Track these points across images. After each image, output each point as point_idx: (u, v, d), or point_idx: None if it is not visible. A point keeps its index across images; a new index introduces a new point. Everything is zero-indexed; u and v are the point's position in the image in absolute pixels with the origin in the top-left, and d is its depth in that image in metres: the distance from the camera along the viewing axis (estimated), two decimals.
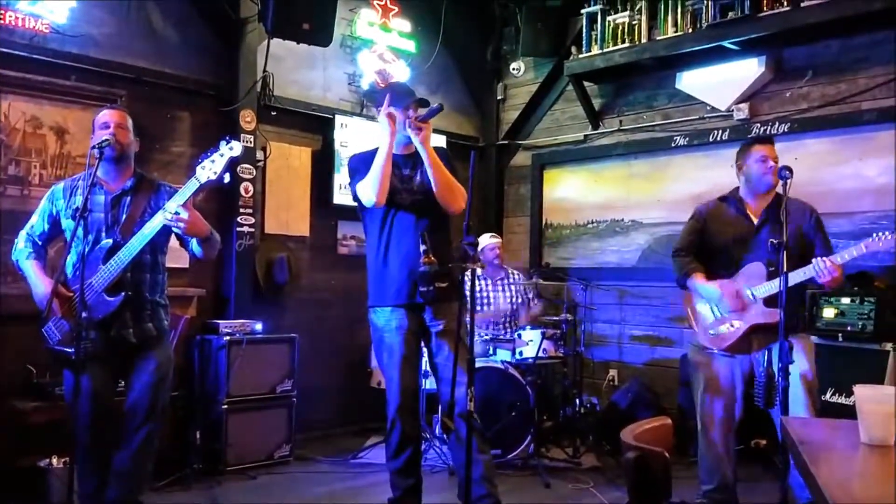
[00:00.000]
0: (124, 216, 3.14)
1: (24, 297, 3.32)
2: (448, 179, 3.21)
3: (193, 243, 3.17)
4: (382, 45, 5.82)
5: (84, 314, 2.88)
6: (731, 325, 3.48)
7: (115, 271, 3.02)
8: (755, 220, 3.53)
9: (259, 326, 4.69)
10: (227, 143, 3.08)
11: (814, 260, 3.23)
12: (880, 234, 3.20)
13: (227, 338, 4.46)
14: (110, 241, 3.06)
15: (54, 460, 3.76)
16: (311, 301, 5.47)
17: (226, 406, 4.39)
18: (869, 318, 4.08)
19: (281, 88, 5.26)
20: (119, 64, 4.54)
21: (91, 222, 3.02)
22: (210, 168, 3.05)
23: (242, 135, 4.92)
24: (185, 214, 2.99)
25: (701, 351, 3.63)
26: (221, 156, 3.06)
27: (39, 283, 3.11)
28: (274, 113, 5.26)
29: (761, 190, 3.54)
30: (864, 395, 1.78)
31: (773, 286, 3.31)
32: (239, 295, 4.95)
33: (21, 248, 3.20)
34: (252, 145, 5.01)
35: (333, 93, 5.67)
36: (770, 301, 3.35)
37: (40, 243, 3.21)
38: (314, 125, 5.52)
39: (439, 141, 5.64)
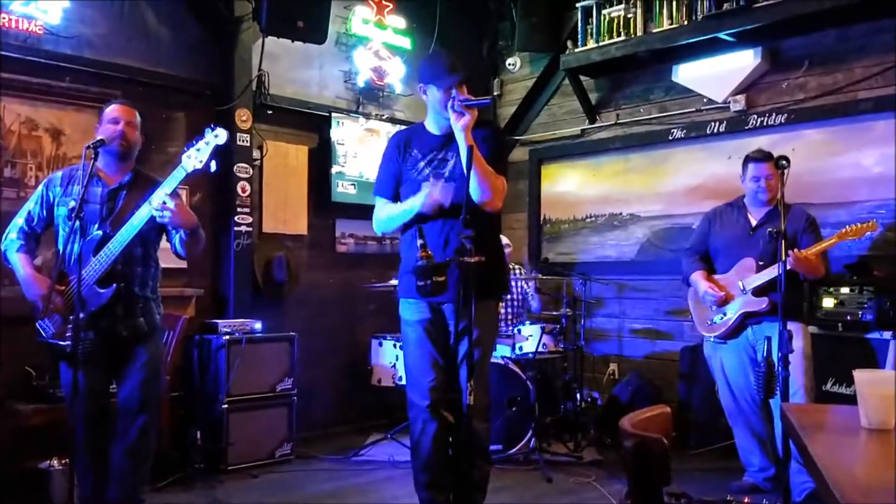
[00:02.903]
0: (118, 209, 3.12)
1: (23, 298, 3.29)
2: (485, 177, 2.87)
3: (177, 239, 3.14)
4: (378, 43, 5.81)
5: (80, 312, 2.87)
6: (724, 315, 3.86)
7: (106, 263, 3.01)
8: (754, 222, 3.88)
9: (258, 325, 4.68)
10: (213, 130, 3.06)
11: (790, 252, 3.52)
12: (851, 226, 3.57)
13: (227, 337, 4.44)
14: (100, 232, 3.05)
15: (55, 462, 3.74)
16: (310, 300, 5.46)
17: (226, 405, 4.38)
18: (868, 308, 4.06)
19: (277, 87, 5.25)
20: (114, 64, 4.53)
21: (86, 213, 3.00)
22: (196, 157, 3.03)
23: (238, 134, 4.91)
24: (171, 203, 2.97)
25: (708, 343, 4.01)
26: (207, 144, 3.04)
27: (28, 278, 3.09)
28: (270, 112, 5.25)
29: (756, 206, 3.90)
30: (863, 379, 1.78)
31: (761, 277, 3.70)
32: (237, 294, 4.94)
33: (13, 238, 3.18)
34: (248, 144, 5.00)
35: (330, 91, 5.66)
36: (758, 291, 3.73)
37: (38, 231, 3.19)
38: (311, 123, 5.50)
39: None
